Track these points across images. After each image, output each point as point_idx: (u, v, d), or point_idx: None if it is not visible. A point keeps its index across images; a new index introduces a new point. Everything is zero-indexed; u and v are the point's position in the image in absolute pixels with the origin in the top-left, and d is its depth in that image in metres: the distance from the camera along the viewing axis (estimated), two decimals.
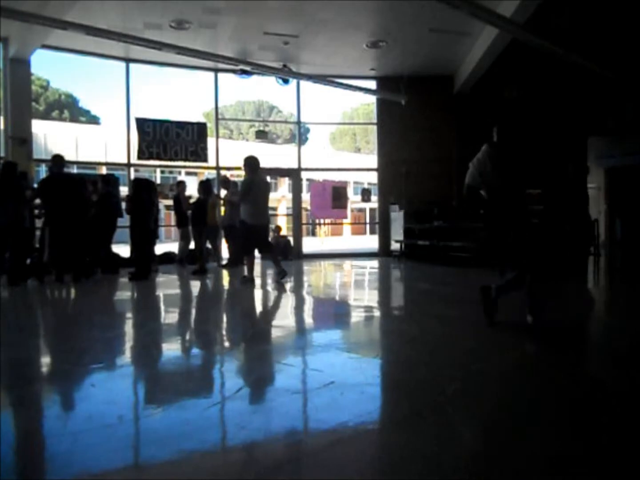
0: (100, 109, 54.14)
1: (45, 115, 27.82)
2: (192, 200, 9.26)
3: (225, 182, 10.04)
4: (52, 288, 6.88)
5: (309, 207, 12.85)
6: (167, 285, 7.87)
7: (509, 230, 3.39)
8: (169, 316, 5.33)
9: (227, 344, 3.94)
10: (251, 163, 6.89)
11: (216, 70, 11.22)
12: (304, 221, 13.65)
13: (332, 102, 52.84)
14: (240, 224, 6.98)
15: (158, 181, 17.66)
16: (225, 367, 3.24)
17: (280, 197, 27.30)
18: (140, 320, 4.95)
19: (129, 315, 5.33)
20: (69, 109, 31.98)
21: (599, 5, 8.61)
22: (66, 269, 7.18)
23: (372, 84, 11.81)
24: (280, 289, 6.67)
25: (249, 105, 36.36)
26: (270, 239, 8.29)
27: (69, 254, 7.18)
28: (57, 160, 7.37)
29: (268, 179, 8.85)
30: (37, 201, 7.41)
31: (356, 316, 4.95)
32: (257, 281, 8.42)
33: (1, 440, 2.01)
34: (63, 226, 7.07)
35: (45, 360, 3.57)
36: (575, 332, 4.06)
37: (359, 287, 7.91)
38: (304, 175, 13.97)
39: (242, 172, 7.56)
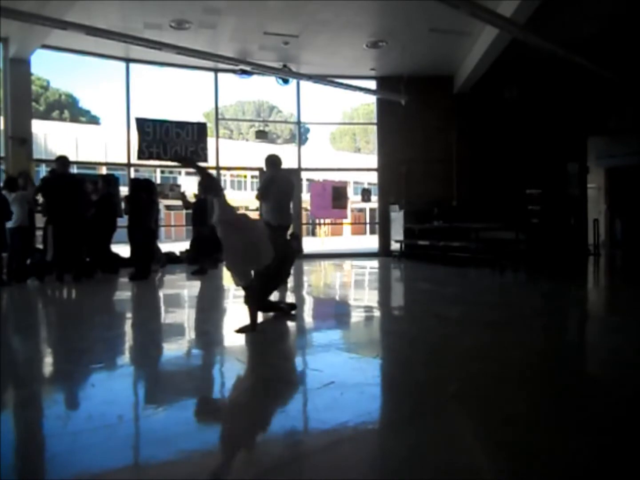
0: (100, 109, 54.12)
1: (45, 115, 27.79)
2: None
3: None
4: (52, 288, 6.88)
5: (309, 207, 12.85)
6: (167, 285, 7.88)
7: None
8: (169, 316, 5.33)
9: (226, 343, 3.94)
10: (270, 160, 6.46)
11: (216, 70, 11.22)
12: (304, 221, 13.66)
13: (332, 102, 52.82)
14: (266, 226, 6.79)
15: (158, 181, 17.66)
16: (224, 367, 3.24)
17: None
18: (140, 320, 4.95)
19: (128, 315, 5.33)
20: (69, 109, 31.94)
21: (599, 5, 8.60)
22: (67, 268, 7.18)
23: (372, 84, 11.80)
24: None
25: (249, 105, 36.32)
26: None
27: (71, 253, 7.19)
28: (62, 161, 7.40)
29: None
30: (40, 199, 7.43)
31: (356, 316, 4.95)
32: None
33: (1, 440, 2.01)
34: (67, 225, 7.08)
35: (45, 360, 3.56)
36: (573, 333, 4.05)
37: (359, 287, 7.90)
38: (304, 175, 13.97)
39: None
